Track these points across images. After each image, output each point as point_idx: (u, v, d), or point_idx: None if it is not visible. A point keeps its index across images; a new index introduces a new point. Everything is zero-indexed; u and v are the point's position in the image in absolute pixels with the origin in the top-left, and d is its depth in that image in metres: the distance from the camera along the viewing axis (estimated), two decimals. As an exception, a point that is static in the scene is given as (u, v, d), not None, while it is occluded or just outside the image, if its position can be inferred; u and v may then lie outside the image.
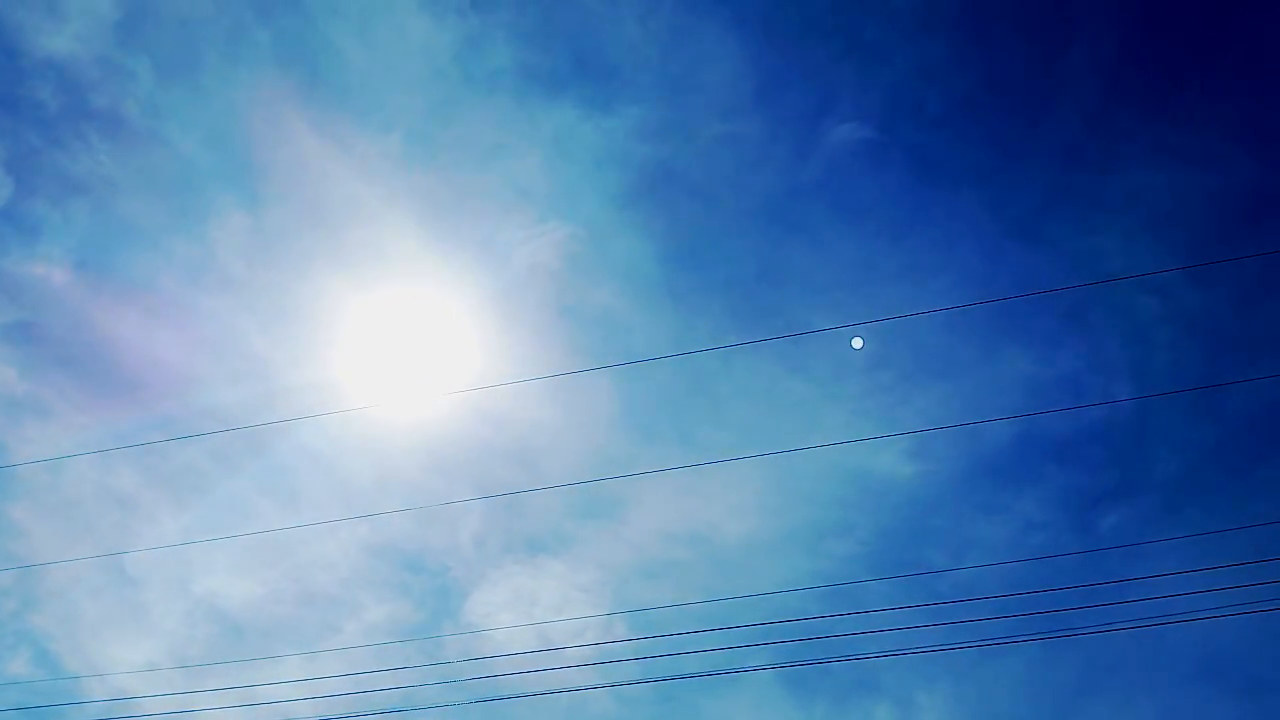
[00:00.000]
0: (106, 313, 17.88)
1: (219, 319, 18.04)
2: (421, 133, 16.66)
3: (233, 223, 17.20)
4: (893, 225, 17.15)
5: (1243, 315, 16.17)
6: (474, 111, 16.51)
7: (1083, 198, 15.34)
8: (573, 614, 20.27)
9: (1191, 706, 20.85)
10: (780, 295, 18.43)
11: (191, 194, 16.70)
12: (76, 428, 18.24)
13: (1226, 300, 16.03)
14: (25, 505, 19.32)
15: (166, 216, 16.80)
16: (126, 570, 20.28)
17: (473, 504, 21.75)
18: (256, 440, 19.84)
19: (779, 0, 15.54)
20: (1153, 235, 15.34)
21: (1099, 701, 21.78)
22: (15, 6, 14.58)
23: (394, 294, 18.13)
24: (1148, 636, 20.95)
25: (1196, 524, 17.87)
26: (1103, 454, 18.71)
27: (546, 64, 16.18)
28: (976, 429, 19.50)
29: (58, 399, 18.14)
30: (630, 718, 20.90)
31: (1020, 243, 15.84)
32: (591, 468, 21.13)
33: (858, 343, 16.65)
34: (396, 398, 17.58)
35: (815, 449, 20.59)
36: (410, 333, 18.18)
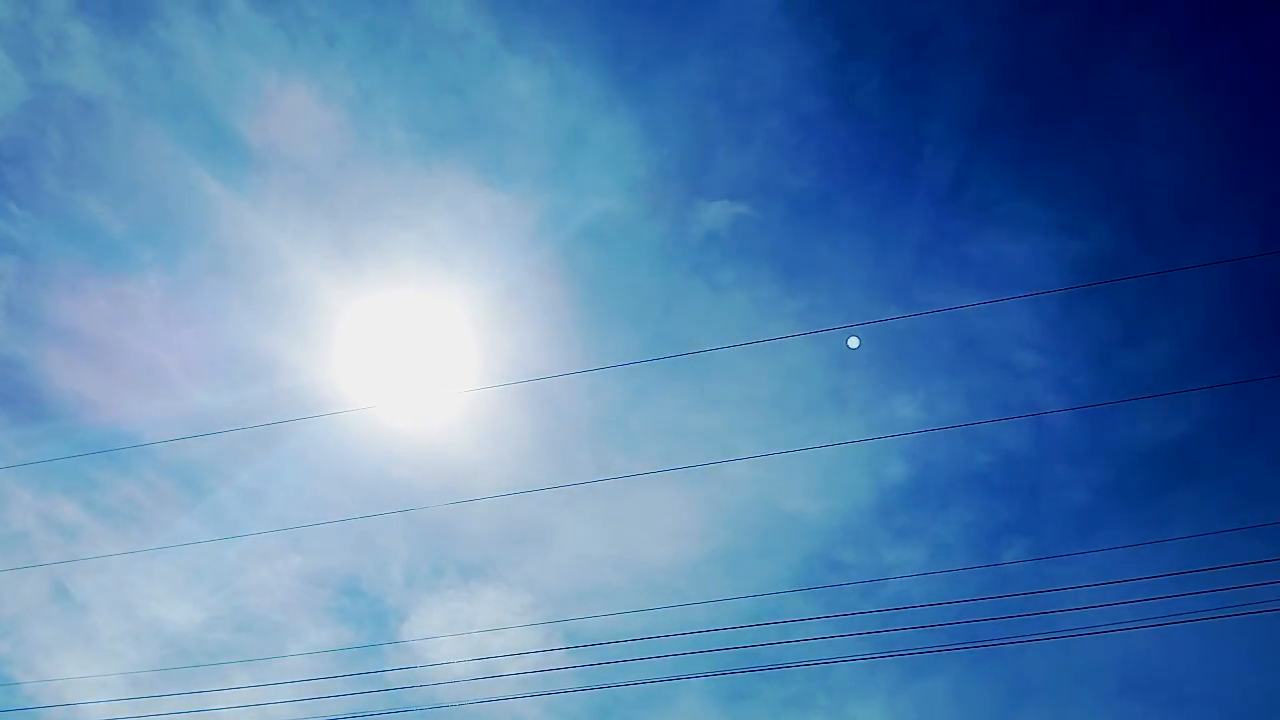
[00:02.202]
0: (32, 353, 19.02)
1: (141, 358, 19.11)
2: (323, 186, 17.41)
3: (149, 275, 18.16)
4: (785, 277, 17.73)
5: (1110, 363, 16.69)
6: (372, 168, 17.21)
7: (950, 262, 15.84)
8: (509, 635, 21.20)
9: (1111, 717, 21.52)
10: (686, 338, 19.09)
11: (107, 251, 17.61)
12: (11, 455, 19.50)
13: (1090, 352, 16.54)
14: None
15: (85, 271, 17.76)
16: (74, 597, 21.49)
17: (405, 533, 22.69)
18: (194, 472, 20.96)
19: (656, 61, 16.05)
20: (1011, 304, 15.81)
21: (1026, 714, 22.48)
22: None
23: (311, 336, 19.03)
24: (1069, 649, 21.62)
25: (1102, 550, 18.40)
26: (1002, 490, 19.29)
27: (438, 123, 16.83)
28: (876, 473, 20.15)
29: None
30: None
31: (897, 304, 16.39)
32: (519, 495, 21.97)
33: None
34: (314, 424, 18.57)
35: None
36: (327, 370, 19.11)
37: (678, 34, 15.59)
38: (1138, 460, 18.48)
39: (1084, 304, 16.28)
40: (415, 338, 18.99)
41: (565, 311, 18.51)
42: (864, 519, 20.83)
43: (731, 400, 19.87)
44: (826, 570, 21.72)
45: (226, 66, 15.83)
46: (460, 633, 21.69)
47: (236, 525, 21.07)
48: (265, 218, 17.63)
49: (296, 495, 20.88)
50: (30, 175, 16.42)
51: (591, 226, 17.22)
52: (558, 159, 16.57)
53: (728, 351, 19.90)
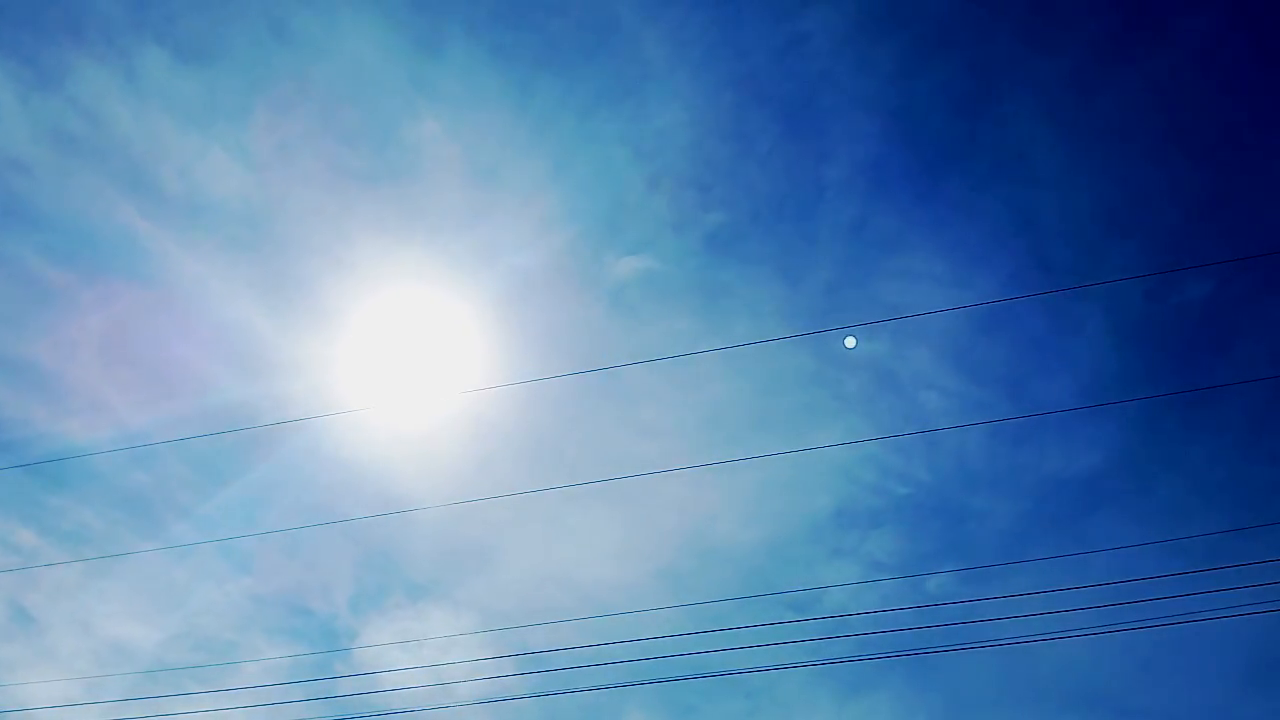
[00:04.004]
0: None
1: (88, 386, 19.93)
2: (251, 223, 17.98)
3: (90, 312, 18.88)
4: (706, 314, 18.22)
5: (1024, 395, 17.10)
6: (295, 210, 17.75)
7: (855, 306, 16.29)
8: (458, 652, 21.86)
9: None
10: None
11: (49, 296, 18.28)
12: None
13: (999, 390, 16.92)
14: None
15: (25, 308, 18.54)
16: (33, 617, 22.33)
17: (352, 555, 23.38)
18: (147, 497, 21.72)
19: (564, 109, 16.48)
20: (918, 342, 16.30)
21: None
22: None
23: (247, 363, 19.73)
24: (1008, 666, 22.11)
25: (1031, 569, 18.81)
26: (926, 519, 19.76)
27: (357, 163, 17.33)
28: (805, 501, 20.61)
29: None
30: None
31: (808, 346, 16.84)
32: (465, 519, 22.67)
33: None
34: (256, 448, 19.29)
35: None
36: (266, 394, 19.80)
37: (583, 83, 16.01)
38: (1056, 487, 18.89)
39: (988, 344, 16.67)
40: (348, 366, 19.61)
41: (490, 340, 19.03)
42: (797, 542, 21.34)
43: (662, 427, 20.38)
44: (763, 588, 22.24)
45: (148, 122, 16.39)
46: (413, 656, 22.36)
47: (187, 550, 21.81)
48: (197, 255, 18.26)
49: (242, 517, 21.61)
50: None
51: (511, 267, 17.71)
52: (470, 202, 17.07)
53: (658, 383, 20.43)
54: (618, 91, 15.80)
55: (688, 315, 18.17)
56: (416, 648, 22.88)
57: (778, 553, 21.60)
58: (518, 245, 17.37)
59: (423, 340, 18.95)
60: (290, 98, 16.65)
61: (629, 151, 16.35)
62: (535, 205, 17.15)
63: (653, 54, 15.33)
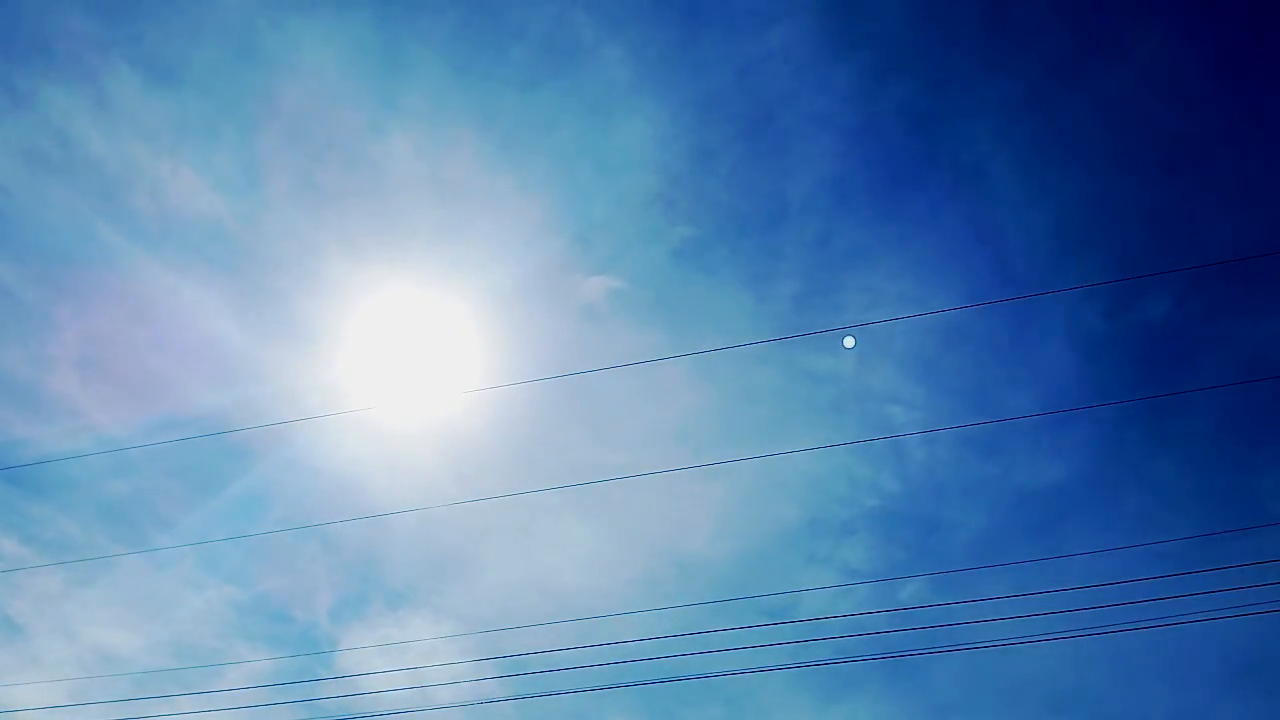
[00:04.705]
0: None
1: (66, 396, 20.23)
2: (222, 239, 18.18)
3: (66, 325, 19.15)
4: (674, 329, 18.43)
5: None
6: (266, 225, 17.95)
7: (821, 319, 16.52)
8: (439, 658, 22.10)
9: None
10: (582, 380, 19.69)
11: (25, 309, 18.52)
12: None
13: (966, 402, 17.11)
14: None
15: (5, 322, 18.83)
16: (18, 625, 22.66)
17: (332, 563, 23.65)
18: (124, 506, 21.99)
19: (533, 126, 16.65)
20: (879, 359, 16.50)
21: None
22: None
23: (219, 374, 19.99)
24: (987, 670, 22.33)
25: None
26: (898, 528, 19.97)
27: (326, 180, 17.51)
28: (776, 515, 20.80)
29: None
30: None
31: (772, 365, 17.06)
32: (445, 522, 22.91)
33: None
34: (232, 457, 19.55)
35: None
36: (242, 404, 20.04)
37: (548, 102, 16.16)
38: (1025, 497, 19.09)
39: (954, 357, 16.84)
40: (323, 377, 19.83)
41: (461, 357, 19.21)
42: (772, 550, 21.55)
43: (637, 440, 20.57)
44: (740, 594, 22.43)
45: (119, 142, 16.57)
46: (388, 649, 22.53)
47: (169, 559, 22.10)
48: (170, 270, 18.49)
49: (222, 525, 21.88)
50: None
51: (479, 285, 17.90)
52: (437, 219, 17.25)
53: (632, 399, 20.60)
54: (582, 110, 15.97)
55: (657, 330, 18.36)
56: (397, 654, 23.16)
57: (753, 560, 21.83)
58: (485, 263, 17.56)
59: (396, 352, 19.18)
60: (260, 117, 16.84)
61: (594, 169, 16.51)
62: (501, 223, 17.34)
63: (616, 74, 15.49)
